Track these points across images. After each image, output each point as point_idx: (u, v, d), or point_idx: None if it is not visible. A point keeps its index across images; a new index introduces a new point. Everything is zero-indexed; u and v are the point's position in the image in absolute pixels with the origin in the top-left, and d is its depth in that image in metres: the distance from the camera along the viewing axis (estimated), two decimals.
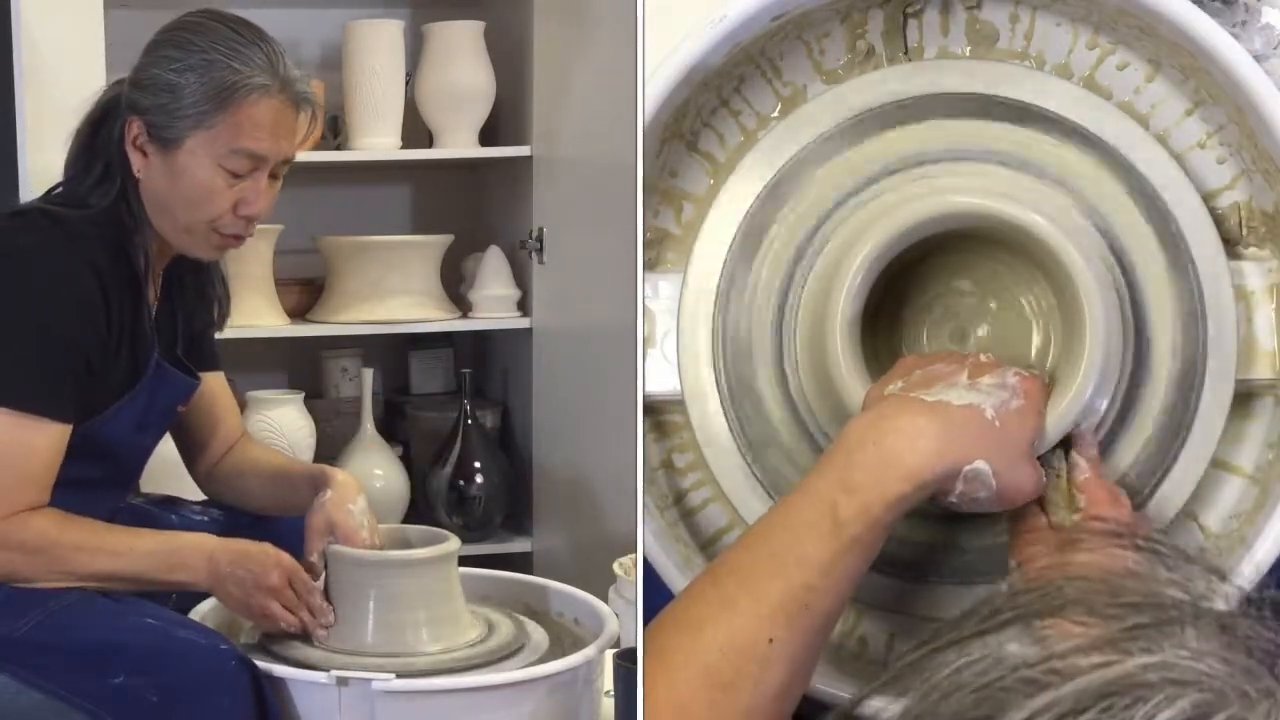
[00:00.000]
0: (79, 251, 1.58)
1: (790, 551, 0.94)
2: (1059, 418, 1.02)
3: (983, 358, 1.04)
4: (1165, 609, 0.52)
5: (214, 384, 1.84)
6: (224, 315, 1.83)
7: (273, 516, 1.81)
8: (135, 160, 1.64)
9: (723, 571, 0.97)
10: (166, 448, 1.87)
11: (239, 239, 1.68)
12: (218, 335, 1.85)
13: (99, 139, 1.67)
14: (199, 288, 1.79)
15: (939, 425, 0.96)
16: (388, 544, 1.71)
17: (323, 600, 1.61)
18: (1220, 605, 0.52)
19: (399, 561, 1.65)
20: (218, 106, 1.60)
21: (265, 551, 1.60)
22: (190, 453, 1.88)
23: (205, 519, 1.83)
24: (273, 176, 1.66)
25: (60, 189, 1.70)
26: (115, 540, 1.60)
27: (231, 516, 1.83)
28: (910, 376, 1.02)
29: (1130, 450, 1.08)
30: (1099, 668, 0.49)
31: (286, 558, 1.60)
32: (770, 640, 0.92)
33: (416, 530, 1.77)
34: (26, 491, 1.55)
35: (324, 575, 1.64)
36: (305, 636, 1.64)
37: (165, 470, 1.93)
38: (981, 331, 1.12)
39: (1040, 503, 1.02)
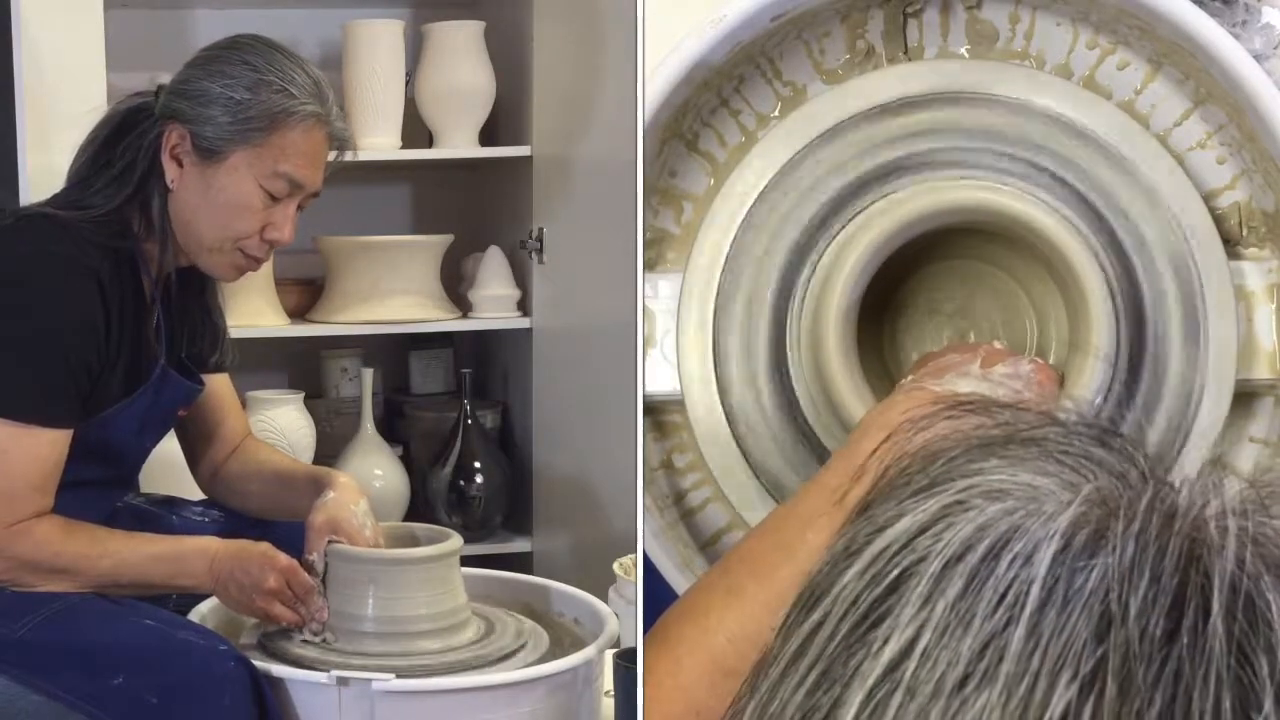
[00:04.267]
0: (79, 258, 1.58)
1: (799, 540, 0.94)
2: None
3: (996, 344, 1.04)
4: (983, 444, 0.53)
5: (219, 386, 1.84)
6: (225, 347, 1.84)
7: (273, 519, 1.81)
8: (170, 169, 1.64)
9: (733, 560, 0.98)
10: (166, 448, 1.87)
11: (258, 263, 1.70)
12: (219, 357, 1.85)
13: (122, 144, 1.67)
14: (202, 308, 1.79)
15: None
16: (389, 541, 1.71)
17: (320, 599, 1.61)
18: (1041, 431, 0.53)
19: (400, 559, 1.65)
20: (268, 127, 1.62)
21: (264, 554, 1.60)
22: (194, 454, 1.88)
23: (205, 519, 1.83)
24: (299, 207, 1.68)
25: (63, 192, 1.70)
26: (118, 546, 1.60)
27: (232, 517, 1.84)
28: (923, 369, 1.02)
29: None
30: (915, 508, 0.50)
31: (284, 559, 1.60)
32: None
33: (418, 528, 1.77)
34: (29, 500, 1.55)
35: (324, 573, 1.65)
36: (305, 635, 1.65)
37: (165, 470, 1.93)
38: (982, 330, 1.12)
39: None
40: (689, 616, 0.95)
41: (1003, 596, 0.46)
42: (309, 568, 1.63)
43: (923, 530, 0.49)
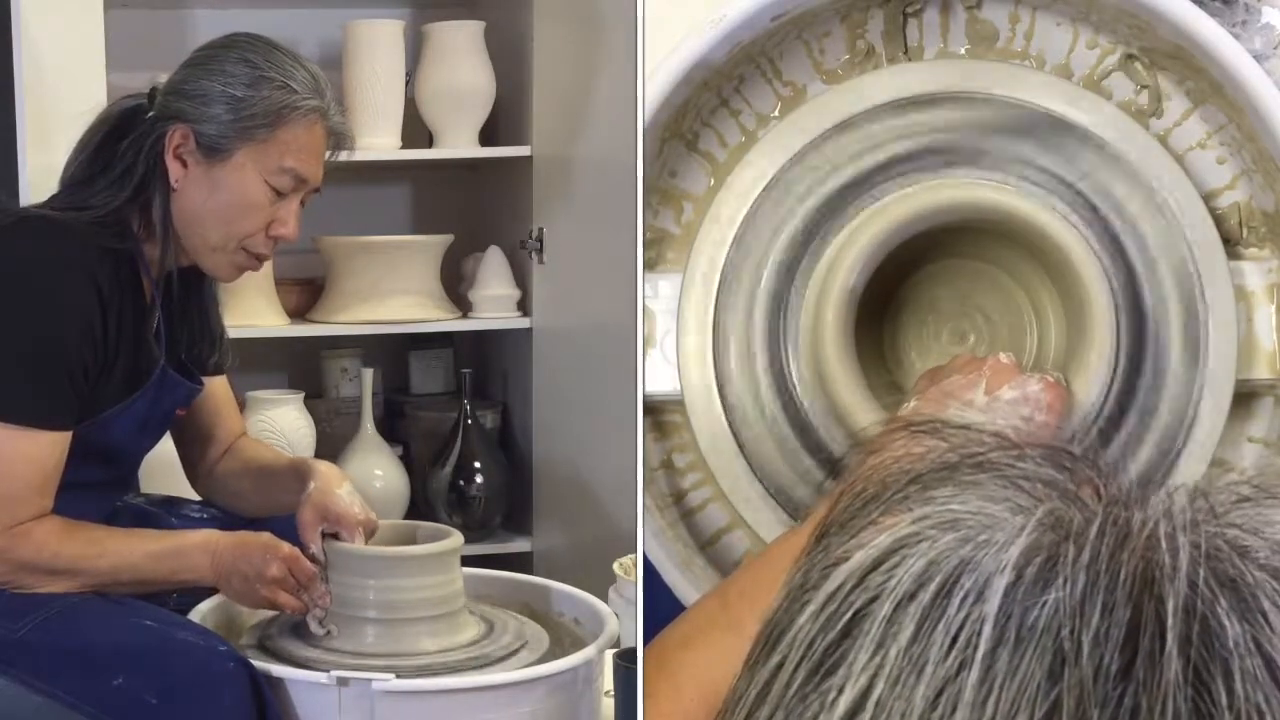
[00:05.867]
0: (77, 260, 1.58)
1: None
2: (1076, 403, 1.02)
3: (1003, 358, 1.01)
4: (934, 470, 0.52)
5: (216, 387, 1.84)
6: (224, 348, 1.84)
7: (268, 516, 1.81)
8: (174, 169, 1.64)
9: (732, 594, 0.97)
10: (166, 448, 1.87)
11: (261, 261, 1.70)
12: (217, 357, 1.85)
13: (121, 146, 1.66)
14: (200, 309, 1.79)
15: None
16: (390, 539, 1.71)
17: (323, 585, 1.62)
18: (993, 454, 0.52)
19: (401, 557, 1.65)
20: (272, 123, 1.62)
21: (266, 544, 1.60)
22: (188, 455, 1.89)
23: (205, 516, 1.83)
24: (300, 203, 1.69)
25: (61, 193, 1.70)
26: (117, 545, 1.60)
27: (231, 515, 1.84)
28: (926, 393, 1.00)
29: (1130, 450, 1.08)
30: (869, 542, 0.49)
31: (286, 547, 1.61)
32: None
33: (418, 526, 1.77)
34: (29, 503, 1.55)
35: (324, 561, 1.65)
36: (305, 635, 1.64)
37: (165, 470, 1.93)
38: (982, 331, 1.12)
39: None
40: (690, 646, 0.95)
41: (955, 638, 0.45)
42: (309, 557, 1.63)
43: (876, 565, 0.48)
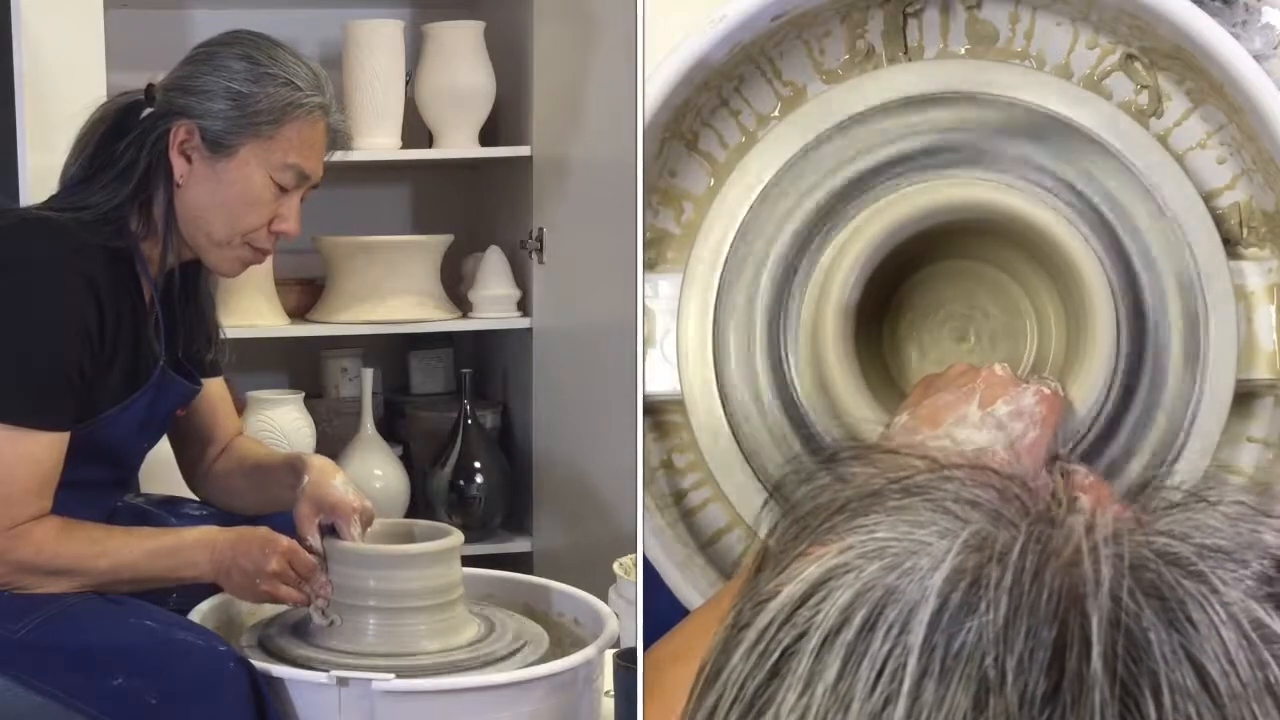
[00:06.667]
0: (73, 261, 1.58)
1: None
2: (1073, 411, 1.02)
3: (998, 369, 0.99)
4: (861, 498, 0.52)
5: (212, 387, 1.84)
6: (220, 346, 1.84)
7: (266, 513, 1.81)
8: (178, 165, 1.64)
9: (725, 603, 0.96)
10: (166, 448, 1.87)
11: (264, 256, 1.71)
12: (214, 354, 1.85)
13: (122, 144, 1.66)
14: (197, 307, 1.79)
15: None
16: (389, 538, 1.71)
17: (323, 576, 1.62)
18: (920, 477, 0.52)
19: (401, 556, 1.65)
20: (278, 120, 1.63)
21: (264, 538, 1.60)
22: (185, 456, 1.89)
23: (204, 515, 1.83)
24: (301, 199, 1.69)
25: (60, 194, 1.70)
26: (117, 544, 1.60)
27: (230, 514, 1.84)
28: (919, 408, 0.98)
29: (1130, 450, 1.08)
30: (798, 575, 0.49)
31: (284, 540, 1.61)
32: None
33: (418, 524, 1.77)
34: (27, 504, 1.55)
35: (322, 552, 1.66)
36: (305, 635, 1.65)
37: (165, 470, 1.93)
38: (982, 331, 1.12)
39: None
40: (682, 660, 0.94)
41: (880, 672, 0.44)
42: (308, 548, 1.64)
43: (805, 599, 0.48)
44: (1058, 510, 0.48)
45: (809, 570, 0.48)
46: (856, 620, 0.46)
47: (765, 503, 0.57)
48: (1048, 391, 0.97)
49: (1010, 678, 0.43)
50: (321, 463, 1.74)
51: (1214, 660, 0.43)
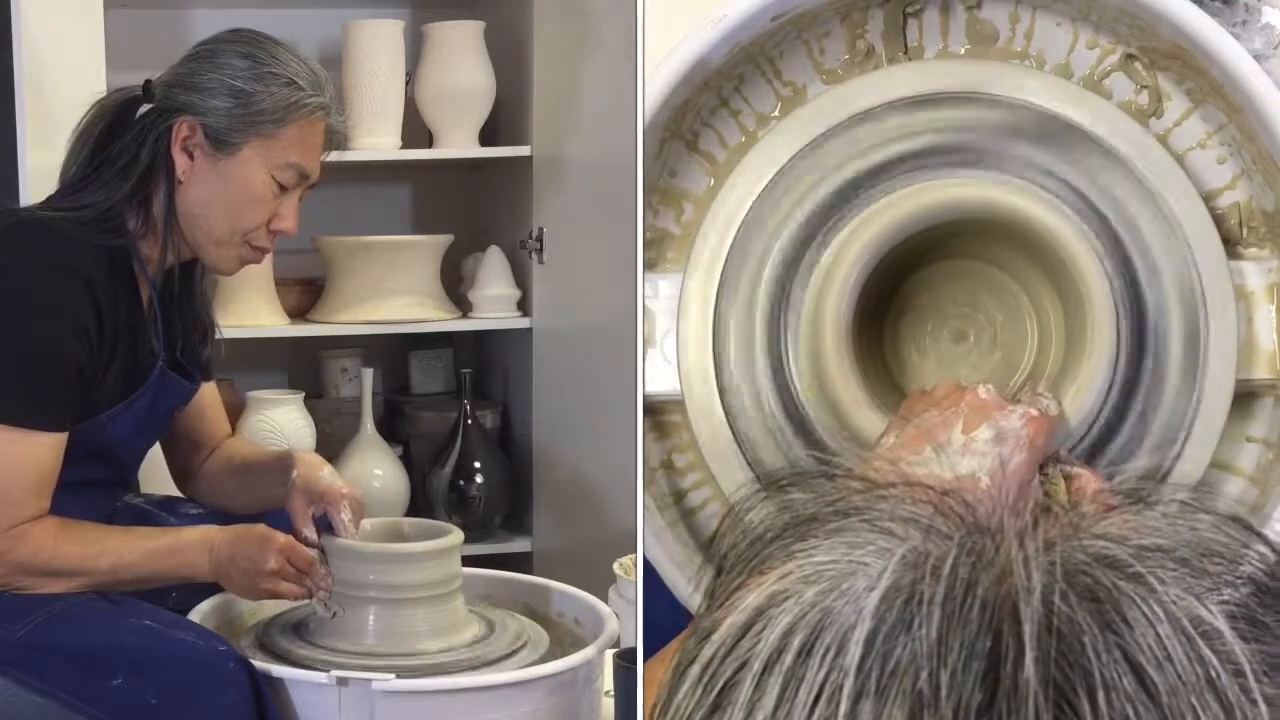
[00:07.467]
0: (70, 262, 1.58)
1: None
2: (1066, 424, 1.01)
3: (981, 391, 0.96)
4: (799, 524, 0.52)
5: (205, 392, 1.85)
6: (214, 345, 1.85)
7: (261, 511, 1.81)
8: (180, 162, 1.64)
9: None
10: None
11: (263, 254, 1.71)
12: (209, 351, 1.86)
13: (121, 141, 1.66)
14: (191, 305, 1.79)
15: None
16: (388, 536, 1.72)
17: (323, 568, 1.63)
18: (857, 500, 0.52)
19: (401, 555, 1.65)
20: (281, 118, 1.63)
21: (262, 536, 1.61)
22: (175, 457, 1.89)
23: (203, 514, 1.83)
24: (299, 198, 1.70)
25: (57, 193, 1.70)
26: (116, 544, 1.60)
27: (228, 514, 1.84)
28: (904, 431, 0.96)
29: (1130, 450, 1.08)
30: (740, 605, 0.49)
31: (282, 537, 1.61)
32: None
33: (417, 523, 1.77)
34: (25, 505, 1.56)
35: (320, 545, 1.66)
36: (305, 634, 1.65)
37: (164, 470, 1.93)
38: (982, 330, 1.12)
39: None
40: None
41: (818, 697, 0.44)
42: (305, 542, 1.64)
43: (746, 629, 0.48)
44: (995, 521, 0.48)
45: (749, 599, 0.49)
46: (794, 645, 0.46)
47: (715, 533, 0.57)
48: (1035, 413, 0.95)
49: (944, 691, 0.42)
50: (308, 457, 1.76)
51: (1150, 658, 0.43)
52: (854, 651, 0.44)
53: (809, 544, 0.50)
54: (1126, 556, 0.46)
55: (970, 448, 0.92)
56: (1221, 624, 0.44)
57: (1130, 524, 0.48)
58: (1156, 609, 0.44)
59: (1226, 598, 0.46)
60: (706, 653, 0.49)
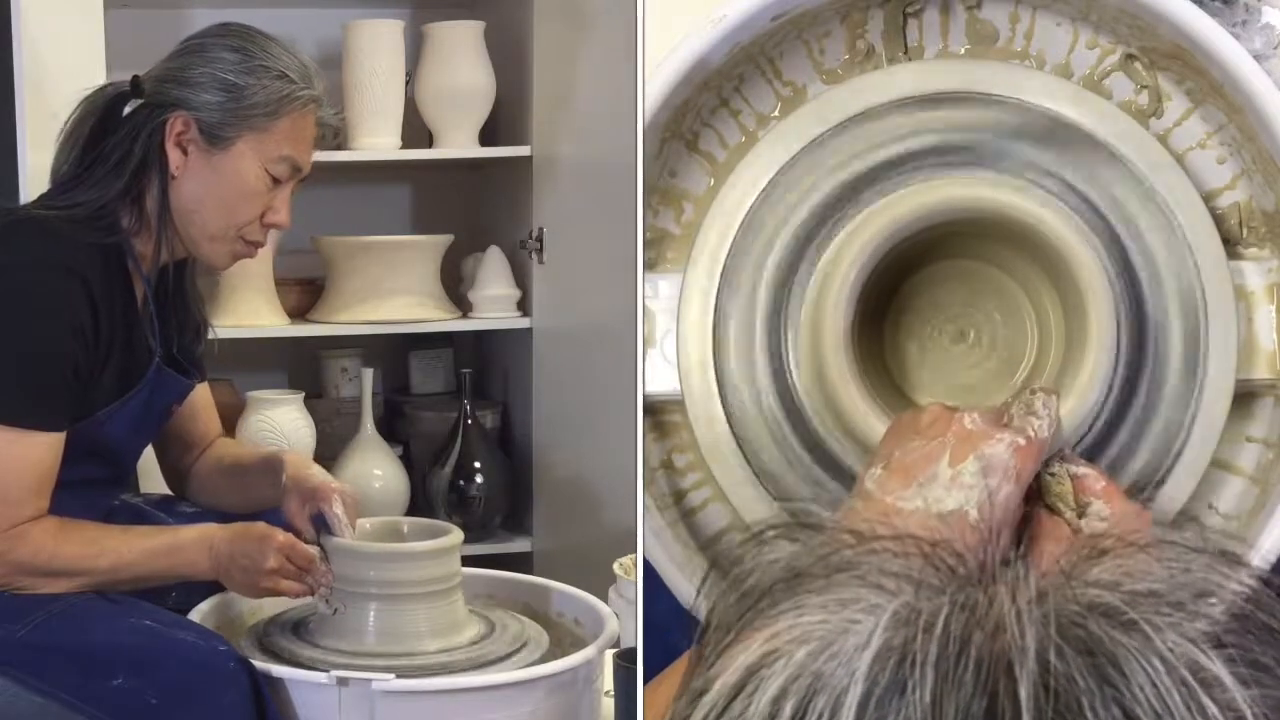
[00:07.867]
0: (66, 261, 1.58)
1: None
2: (1065, 425, 1.01)
3: (967, 421, 0.93)
4: (787, 579, 0.51)
5: (197, 392, 1.85)
6: (206, 338, 1.85)
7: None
8: (174, 157, 1.64)
9: None
10: None
11: (256, 248, 1.71)
12: (203, 347, 1.86)
13: (113, 138, 1.66)
14: (183, 303, 1.79)
15: None
16: (388, 536, 1.72)
17: (323, 564, 1.63)
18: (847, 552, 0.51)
19: (401, 554, 1.65)
20: (274, 111, 1.64)
21: (262, 534, 1.61)
22: (165, 457, 1.89)
23: (201, 511, 1.83)
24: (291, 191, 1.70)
25: (49, 192, 1.70)
26: (115, 543, 1.60)
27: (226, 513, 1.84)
28: (891, 460, 0.93)
29: (1130, 450, 1.08)
30: (731, 664, 0.48)
31: (281, 535, 1.62)
32: None
33: (417, 523, 1.77)
34: (24, 504, 1.56)
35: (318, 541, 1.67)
36: (305, 635, 1.65)
37: None
38: (982, 330, 1.12)
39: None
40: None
41: None
42: (305, 540, 1.65)
43: (738, 690, 0.47)
44: (987, 573, 0.48)
45: (740, 658, 0.48)
46: (786, 711, 0.45)
47: (703, 579, 0.55)
48: (1022, 442, 0.92)
49: None
50: (296, 457, 1.78)
51: (1149, 711, 0.42)
52: (847, 716, 0.44)
53: (799, 600, 0.49)
54: (1120, 603, 0.45)
55: (958, 481, 0.89)
56: (1221, 670, 0.44)
57: (1122, 569, 0.48)
58: (1154, 660, 0.44)
59: (1224, 641, 0.45)
60: (697, 716, 0.48)
